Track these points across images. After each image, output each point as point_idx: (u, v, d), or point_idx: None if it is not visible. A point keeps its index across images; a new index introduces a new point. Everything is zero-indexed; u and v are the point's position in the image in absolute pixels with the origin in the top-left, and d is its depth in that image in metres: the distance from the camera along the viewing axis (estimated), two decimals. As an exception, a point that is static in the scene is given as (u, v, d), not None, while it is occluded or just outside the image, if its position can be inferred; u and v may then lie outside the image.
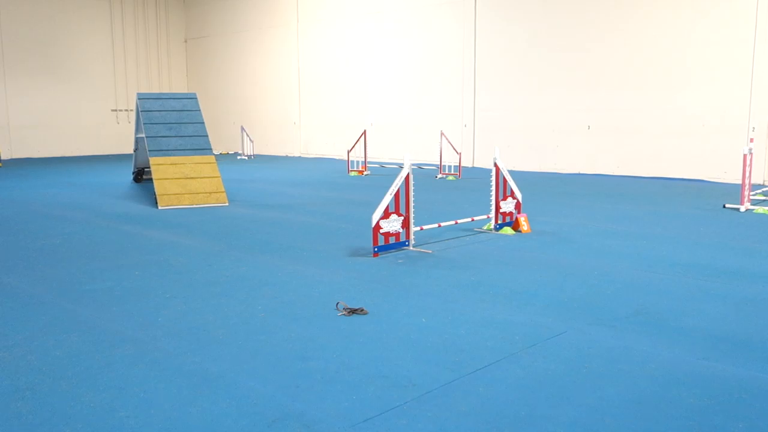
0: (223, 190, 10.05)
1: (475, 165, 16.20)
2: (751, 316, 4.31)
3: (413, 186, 6.45)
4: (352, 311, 4.38)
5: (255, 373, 3.40)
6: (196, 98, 11.51)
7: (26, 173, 15.58)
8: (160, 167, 10.11)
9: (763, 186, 11.17)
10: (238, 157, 20.09)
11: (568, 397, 3.08)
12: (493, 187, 7.31)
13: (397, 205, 6.26)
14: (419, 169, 15.11)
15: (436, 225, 7.00)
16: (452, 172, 13.98)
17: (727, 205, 9.15)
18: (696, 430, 2.77)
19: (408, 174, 6.34)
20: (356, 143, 15.10)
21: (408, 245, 6.46)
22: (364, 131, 15.25)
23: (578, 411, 2.94)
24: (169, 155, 10.34)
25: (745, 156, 8.88)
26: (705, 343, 3.80)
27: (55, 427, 2.83)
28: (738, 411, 2.93)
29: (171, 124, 10.81)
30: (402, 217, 6.32)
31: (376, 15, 18.34)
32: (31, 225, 8.26)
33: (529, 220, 7.53)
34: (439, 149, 14.34)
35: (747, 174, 8.83)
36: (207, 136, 10.92)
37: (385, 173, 14.59)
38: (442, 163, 14.12)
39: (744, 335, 3.93)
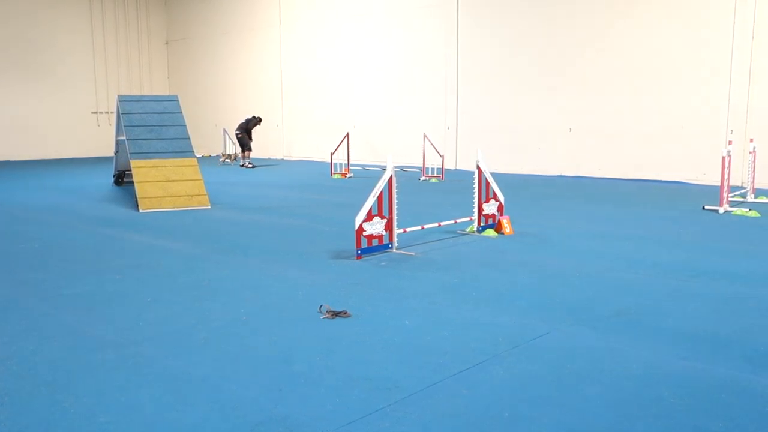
0: (205, 193, 9.98)
1: (458, 167, 16.25)
2: (731, 316, 4.36)
3: (396, 188, 6.45)
4: (336, 314, 4.36)
5: (237, 376, 3.38)
6: (177, 100, 11.42)
7: (3, 176, 15.37)
8: (141, 170, 10.01)
9: (742, 188, 11.32)
10: (220, 160, 19.97)
11: (551, 398, 3.10)
12: (476, 190, 7.33)
13: (380, 208, 6.25)
14: (402, 171, 15.12)
15: (419, 227, 7.01)
16: (435, 175, 14.02)
17: (706, 207, 9.25)
18: (677, 430, 2.79)
19: (391, 176, 6.34)
20: (339, 146, 15.08)
21: (391, 248, 6.45)
22: (347, 134, 15.25)
23: (561, 411, 2.96)
24: (150, 158, 10.24)
25: (723, 158, 8.99)
26: (685, 343, 3.84)
27: (34, 433, 2.79)
28: (718, 410, 2.96)
29: (152, 126, 10.71)
30: (385, 220, 6.31)
31: (359, 18, 18.34)
32: (9, 228, 8.14)
33: (512, 222, 7.57)
34: (422, 152, 14.37)
35: (726, 176, 8.94)
36: (189, 138, 10.83)
37: (368, 176, 14.59)
38: (425, 166, 14.15)
39: (724, 335, 3.97)
